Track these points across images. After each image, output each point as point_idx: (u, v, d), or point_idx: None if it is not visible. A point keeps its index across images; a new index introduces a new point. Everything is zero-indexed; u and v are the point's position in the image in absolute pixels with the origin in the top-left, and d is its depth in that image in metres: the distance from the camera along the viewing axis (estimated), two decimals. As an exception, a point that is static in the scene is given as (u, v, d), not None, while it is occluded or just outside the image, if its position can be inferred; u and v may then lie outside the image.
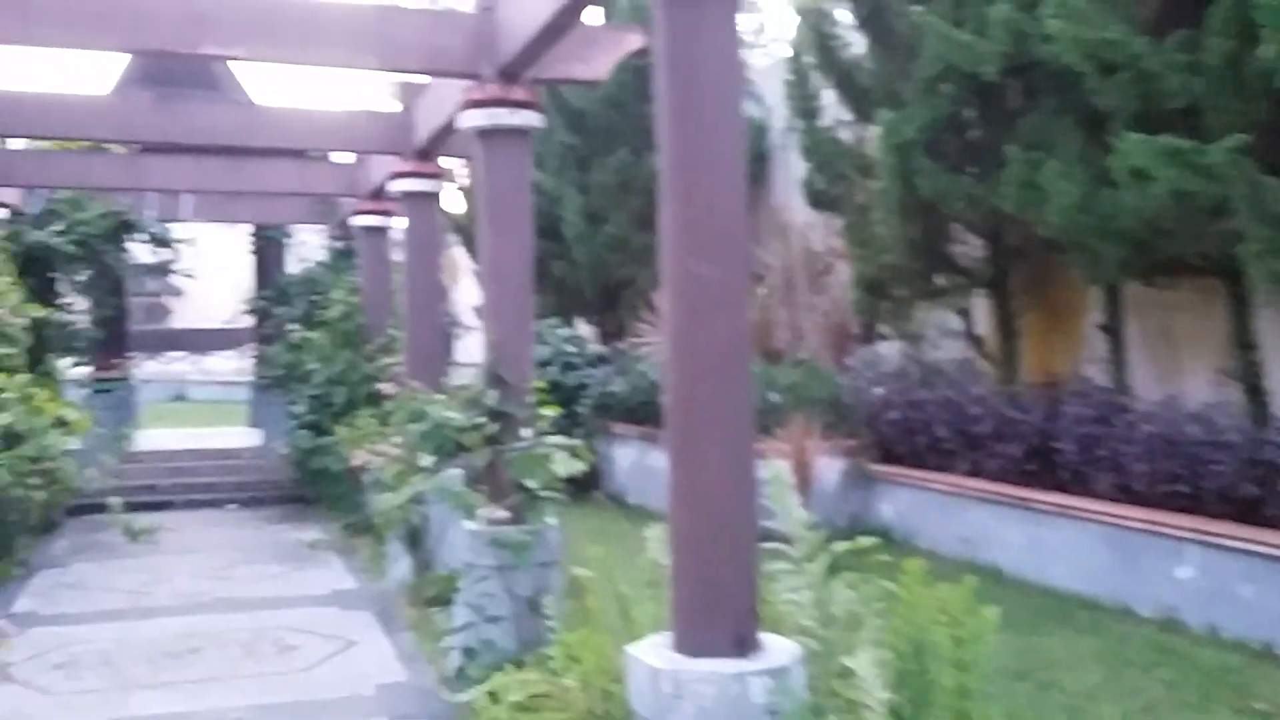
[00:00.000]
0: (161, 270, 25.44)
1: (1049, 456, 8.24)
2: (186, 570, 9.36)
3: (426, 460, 6.05)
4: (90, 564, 9.67)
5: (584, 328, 16.20)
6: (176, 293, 36.71)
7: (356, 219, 10.96)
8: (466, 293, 18.42)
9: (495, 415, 5.81)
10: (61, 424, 8.82)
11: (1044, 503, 8.02)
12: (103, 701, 5.83)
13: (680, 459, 3.66)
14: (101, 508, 12.66)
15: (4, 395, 8.25)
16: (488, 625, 5.55)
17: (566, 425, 8.46)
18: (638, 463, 12.30)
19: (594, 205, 14.76)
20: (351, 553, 10.09)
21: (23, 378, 8.57)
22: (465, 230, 17.07)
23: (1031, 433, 8.40)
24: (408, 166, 8.29)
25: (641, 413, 12.34)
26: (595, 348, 14.66)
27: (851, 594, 3.79)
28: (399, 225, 11.51)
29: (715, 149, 3.64)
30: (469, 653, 5.53)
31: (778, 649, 3.66)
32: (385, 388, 7.90)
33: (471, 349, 18.11)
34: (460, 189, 16.78)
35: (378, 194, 10.49)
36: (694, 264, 3.59)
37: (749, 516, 3.68)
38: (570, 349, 13.60)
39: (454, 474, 5.91)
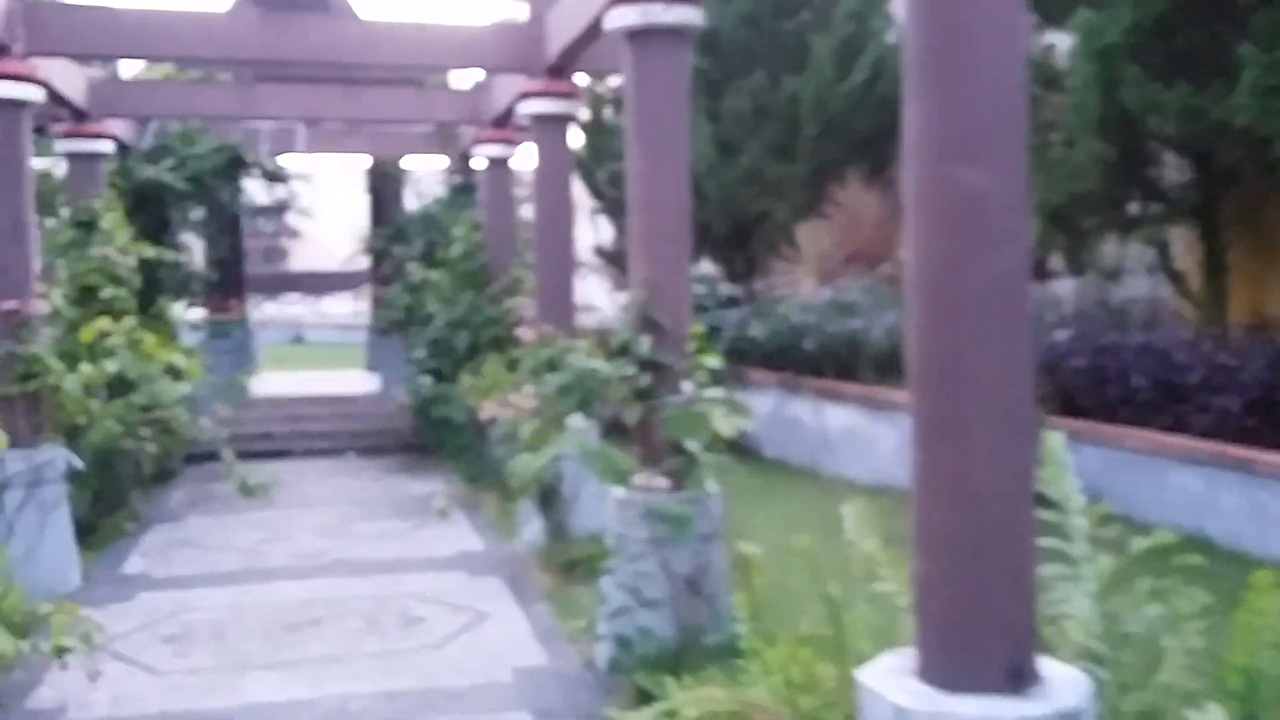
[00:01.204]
0: (278, 210, 25.31)
1: (1274, 411, 7.09)
2: (304, 526, 8.82)
3: (566, 416, 5.25)
4: (206, 518, 9.22)
5: (707, 266, 15.26)
6: (294, 234, 36.99)
7: (478, 149, 10.18)
8: (584, 233, 17.65)
9: (647, 365, 4.97)
10: (172, 370, 8.30)
11: (1270, 464, 6.88)
12: (213, 685, 5.23)
13: (933, 436, 2.74)
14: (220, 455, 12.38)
15: (111, 340, 7.73)
16: (644, 610, 4.74)
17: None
18: (775, 413, 11.38)
19: (725, 134, 13.75)
20: (476, 508, 9.45)
21: (129, 321, 8.04)
22: (584, 164, 16.21)
23: (1253, 383, 7.23)
24: (537, 85, 7.43)
25: (780, 359, 11.41)
26: (726, 288, 13.72)
27: (1157, 608, 2.84)
28: (522, 163, 10.75)
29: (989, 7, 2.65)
30: (622, 642, 4.74)
31: (1062, 682, 2.74)
32: (522, 332, 7.12)
33: (592, 292, 17.39)
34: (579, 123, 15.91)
35: (502, 120, 9.67)
36: (959, 171, 2.62)
37: (1025, 510, 2.75)
38: (699, 289, 12.67)
39: (594, 432, 5.08)
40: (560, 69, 7.41)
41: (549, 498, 7.05)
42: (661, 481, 4.67)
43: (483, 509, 9.37)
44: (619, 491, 4.96)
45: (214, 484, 10.08)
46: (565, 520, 7.31)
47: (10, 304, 6.58)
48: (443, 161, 13.46)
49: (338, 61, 7.80)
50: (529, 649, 5.72)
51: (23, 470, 6.54)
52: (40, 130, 9.87)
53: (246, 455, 12.46)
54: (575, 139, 16.28)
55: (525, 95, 7.51)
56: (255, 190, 13.87)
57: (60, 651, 4.39)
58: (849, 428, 10.15)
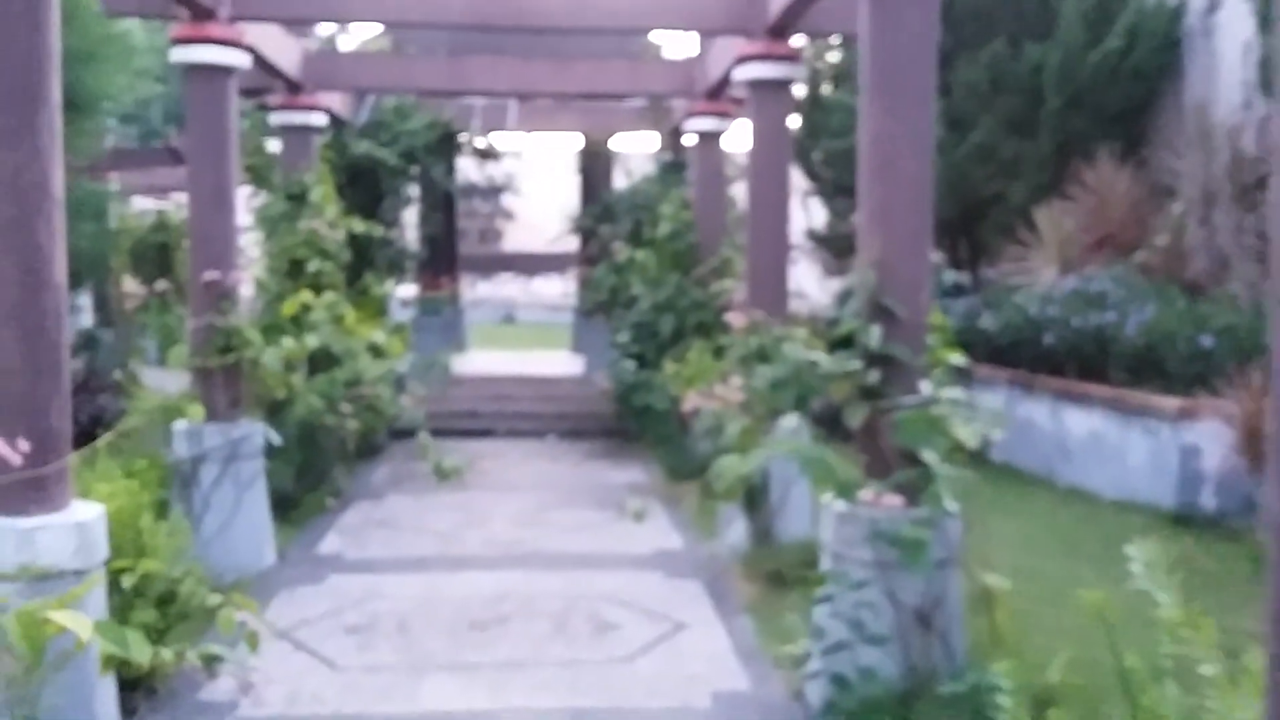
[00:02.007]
0: (494, 192, 25.58)
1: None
2: (501, 512, 8.52)
3: (779, 413, 4.60)
4: (406, 497, 9.07)
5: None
6: (508, 215, 37.70)
7: (690, 123, 9.62)
8: (796, 216, 16.84)
9: (877, 360, 4.26)
10: (374, 347, 8.13)
11: None
12: (391, 686, 4.88)
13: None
14: (435, 432, 12.34)
15: (313, 315, 7.61)
16: (866, 646, 4.06)
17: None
18: (1005, 414, 10.32)
19: (955, 109, 12.68)
20: (676, 502, 8.94)
21: (330, 296, 7.90)
22: (799, 144, 15.42)
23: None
24: (756, 47, 6.79)
25: (1012, 354, 10.37)
26: (951, 275, 12.68)
27: None
28: (735, 139, 10.14)
29: None
30: (840, 681, 4.07)
31: None
32: (731, 317, 6.52)
33: (802, 278, 16.60)
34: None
35: (716, 92, 9.09)
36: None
37: None
38: (922, 276, 11.69)
39: (807, 431, 4.41)
40: (781, 29, 6.74)
41: (754, 499, 6.43)
42: (894, 499, 3.96)
43: (682, 503, 8.84)
44: (838, 505, 4.29)
45: (418, 461, 9.93)
46: (771, 524, 6.68)
47: (211, 274, 6.48)
48: (653, 139, 13.00)
49: (546, 26, 7.38)
50: (730, 671, 5.13)
51: (219, 444, 6.44)
52: (261, 104, 9.97)
53: (451, 433, 12.53)
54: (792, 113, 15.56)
55: (743, 59, 6.88)
56: (468, 168, 13.81)
57: (209, 661, 4.09)
58: (1093, 434, 9.06)
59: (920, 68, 4.34)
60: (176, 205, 17.05)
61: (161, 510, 6.41)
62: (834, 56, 15.18)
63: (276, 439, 6.90)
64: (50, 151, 3.94)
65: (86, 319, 16.15)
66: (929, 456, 4.09)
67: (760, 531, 6.67)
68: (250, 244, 10.01)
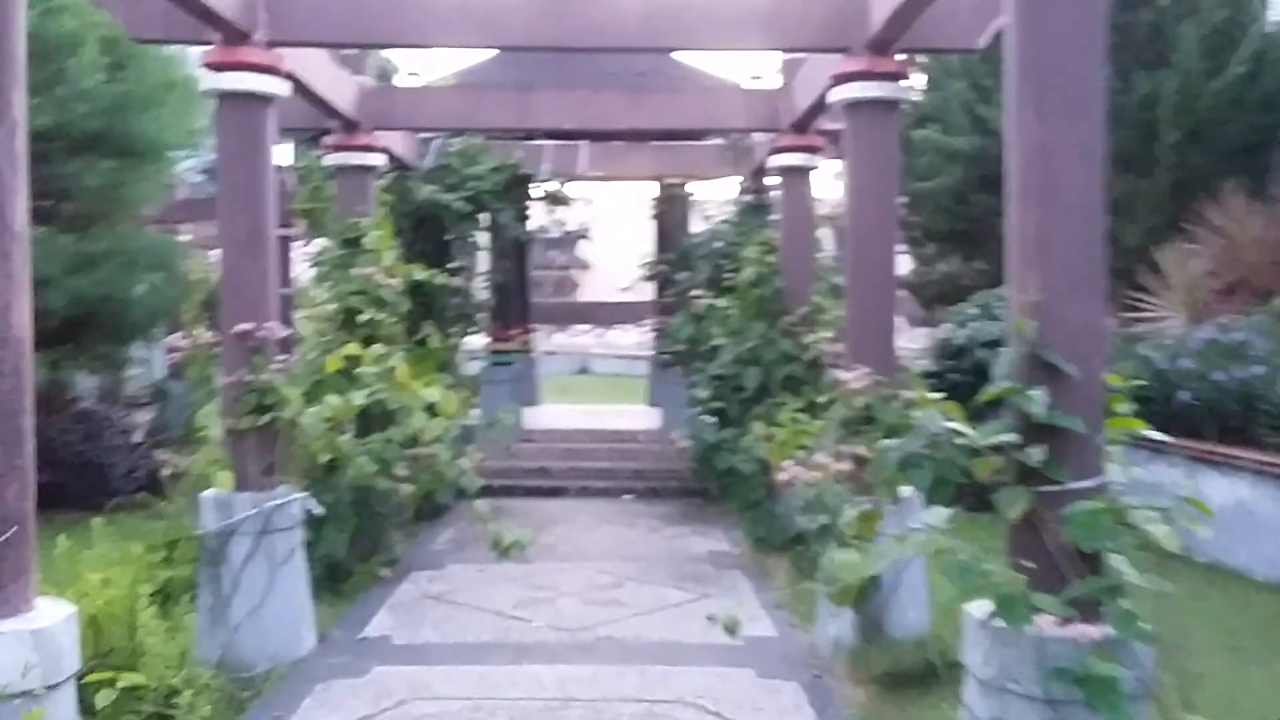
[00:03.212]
0: (567, 240, 25.03)
1: None
2: (571, 586, 7.67)
3: (908, 498, 3.70)
4: (467, 567, 8.25)
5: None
6: (584, 266, 37.22)
7: (774, 159, 8.79)
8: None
9: (1040, 432, 3.35)
10: (430, 405, 7.39)
11: None
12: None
13: None
14: (503, 490, 11.61)
15: (361, 370, 6.89)
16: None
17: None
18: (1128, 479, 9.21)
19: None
20: (765, 576, 8.01)
21: (379, 348, 7.17)
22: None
23: None
24: (857, 64, 5.95)
25: (1138, 412, 9.27)
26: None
27: None
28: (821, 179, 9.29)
29: None
30: None
31: None
32: (844, 376, 5.61)
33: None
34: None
35: (804, 124, 8.27)
36: None
37: None
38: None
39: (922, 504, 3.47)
40: (884, 44, 5.90)
41: (863, 586, 5.48)
42: (1090, 630, 3.02)
43: (773, 578, 7.91)
44: (986, 616, 3.34)
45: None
46: (883, 615, 5.73)
47: (244, 326, 5.78)
48: (732, 181, 12.20)
49: (617, 45, 6.64)
50: (842, 810, 4.19)
51: (251, 516, 5.70)
52: (317, 145, 9.39)
53: (520, 492, 11.76)
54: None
55: (841, 78, 6.03)
56: (538, 216, 13.12)
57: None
58: (1239, 504, 7.93)
59: (1084, 61, 3.46)
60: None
61: (184, 593, 5.71)
62: (917, 91, 14.35)
63: (318, 509, 6.15)
64: (9, 178, 3.23)
65: (158, 372, 15.77)
66: (1116, 562, 3.16)
67: (869, 623, 5.72)
68: (304, 295, 9.43)
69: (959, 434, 3.45)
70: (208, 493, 5.76)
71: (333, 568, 7.37)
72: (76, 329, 10.74)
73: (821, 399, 6.63)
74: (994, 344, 10.40)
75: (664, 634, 6.54)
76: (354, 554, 7.65)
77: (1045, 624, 3.14)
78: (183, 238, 14.75)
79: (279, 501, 5.83)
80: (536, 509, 10.87)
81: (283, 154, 15.95)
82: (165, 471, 5.74)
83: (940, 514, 3.26)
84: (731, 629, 3.49)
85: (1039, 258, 3.40)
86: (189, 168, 17.00)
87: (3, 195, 3.33)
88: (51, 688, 3.18)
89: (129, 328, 11.76)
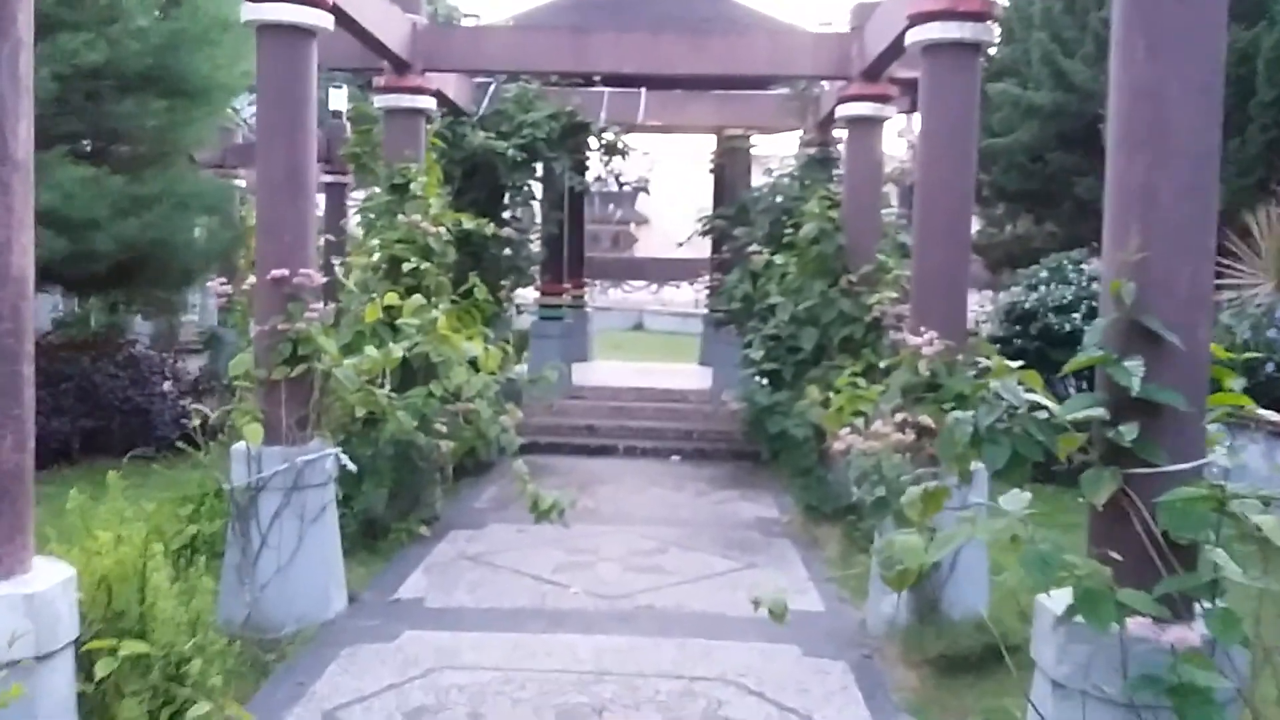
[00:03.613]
0: (626, 196, 24.63)
1: None
2: (613, 550, 7.41)
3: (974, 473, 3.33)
4: (508, 527, 8.03)
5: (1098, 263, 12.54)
6: (642, 220, 36.78)
7: (843, 108, 8.34)
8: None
9: (1134, 407, 2.96)
10: (472, 360, 7.11)
11: None
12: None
13: None
14: (549, 447, 11.38)
15: (403, 321, 6.62)
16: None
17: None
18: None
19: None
20: (814, 546, 7.69)
21: (418, 299, 6.89)
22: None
23: None
24: (937, 3, 5.50)
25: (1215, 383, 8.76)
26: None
27: None
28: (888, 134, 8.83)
29: None
30: None
31: None
32: (908, 339, 5.22)
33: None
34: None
35: (875, 71, 7.81)
36: None
37: None
38: (1082, 288, 10.13)
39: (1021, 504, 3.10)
40: (965, -16, 5.44)
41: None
42: (1189, 635, 2.66)
43: (823, 548, 7.59)
44: (1062, 607, 2.98)
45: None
46: (939, 594, 5.38)
47: (279, 271, 5.52)
48: (796, 134, 11.71)
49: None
50: (892, 807, 3.88)
51: (281, 470, 5.47)
52: (367, 85, 9.11)
53: (567, 450, 11.51)
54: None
55: (919, 18, 5.59)
56: (597, 169, 12.73)
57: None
58: (1329, 486, 7.41)
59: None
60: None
61: (211, 550, 5.51)
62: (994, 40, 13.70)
63: (351, 465, 5.91)
64: (11, 102, 2.96)
65: (212, 318, 15.72)
66: (1215, 556, 2.78)
67: (924, 602, 5.38)
68: (353, 243, 9.19)
69: (1040, 407, 3.07)
70: (237, 445, 5.55)
71: (370, 524, 7.17)
72: (126, 273, 10.61)
73: (883, 363, 6.24)
74: (1065, 309, 9.91)
75: (706, 605, 6.25)
76: (392, 511, 7.44)
77: (1133, 623, 2.78)
78: (239, 182, 14.63)
79: (311, 457, 5.60)
80: (582, 468, 10.62)
81: (338, 99, 15.78)
82: (194, 422, 5.49)
83: (1019, 498, 2.89)
84: (779, 614, 3.16)
85: (1143, 210, 2.99)
86: (246, 110, 16.85)
87: (3, 120, 3.06)
88: (44, 657, 2.96)
89: (181, 273, 11.64)
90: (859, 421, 5.43)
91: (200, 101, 10.90)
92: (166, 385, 10.14)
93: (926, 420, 4.99)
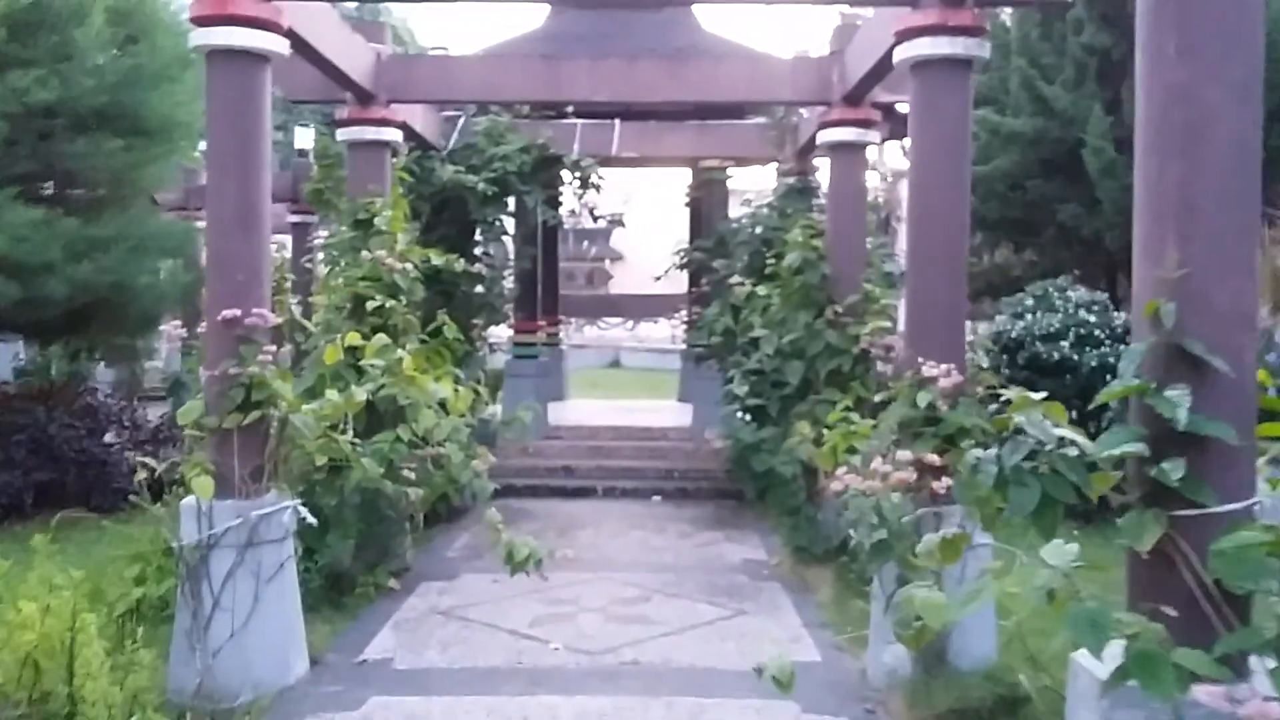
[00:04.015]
0: (601, 234, 24.30)
1: None
2: (594, 600, 7.02)
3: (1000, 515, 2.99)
4: (481, 577, 7.61)
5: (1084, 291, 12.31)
6: (617, 257, 36.57)
7: (824, 134, 8.07)
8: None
9: (1177, 442, 2.64)
10: (441, 403, 6.74)
11: None
12: None
13: None
14: (525, 490, 10.97)
15: (367, 362, 6.26)
16: None
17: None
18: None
19: (1126, 128, 10.90)
20: (806, 589, 7.33)
21: (381, 339, 6.53)
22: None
23: None
24: (927, 18, 5.23)
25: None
26: (1123, 316, 10.81)
27: None
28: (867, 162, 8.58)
29: None
30: None
31: None
32: (933, 370, 4.86)
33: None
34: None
35: (858, 94, 7.55)
36: None
37: None
38: (1088, 317, 9.88)
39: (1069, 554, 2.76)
40: (958, -6, 5.18)
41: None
42: (1268, 711, 2.31)
43: (815, 592, 7.23)
44: (1106, 670, 2.64)
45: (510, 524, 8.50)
46: (946, 643, 5.03)
47: (230, 312, 5.15)
48: (775, 163, 11.45)
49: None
50: None
51: (234, 526, 5.07)
52: (333, 121, 8.77)
53: (544, 492, 11.11)
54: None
55: (907, 34, 5.31)
56: (568, 200, 12.42)
57: None
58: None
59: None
60: (278, 246, 16.06)
61: (162, 611, 5.10)
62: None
63: (311, 518, 5.52)
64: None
65: (177, 363, 15.26)
66: (1277, 607, 2.45)
67: (930, 652, 5.01)
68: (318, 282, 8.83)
69: (1069, 443, 2.75)
70: (187, 501, 5.14)
71: (335, 579, 6.77)
72: (82, 318, 10.19)
73: (876, 397, 5.91)
74: (1052, 337, 9.65)
75: (695, 658, 5.87)
76: (359, 563, 7.05)
77: (1200, 691, 2.44)
78: (201, 224, 14.24)
79: (267, 510, 5.20)
80: (560, 511, 10.23)
81: (304, 137, 15.45)
82: (139, 476, 5.09)
83: (1063, 550, 2.55)
84: (785, 683, 2.81)
85: (1180, 223, 2.69)
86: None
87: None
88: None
89: (139, 318, 11.21)
90: (855, 459, 5.09)
91: (159, 140, 10.52)
92: (110, 436, 9.72)
93: (933, 458, 4.65)
